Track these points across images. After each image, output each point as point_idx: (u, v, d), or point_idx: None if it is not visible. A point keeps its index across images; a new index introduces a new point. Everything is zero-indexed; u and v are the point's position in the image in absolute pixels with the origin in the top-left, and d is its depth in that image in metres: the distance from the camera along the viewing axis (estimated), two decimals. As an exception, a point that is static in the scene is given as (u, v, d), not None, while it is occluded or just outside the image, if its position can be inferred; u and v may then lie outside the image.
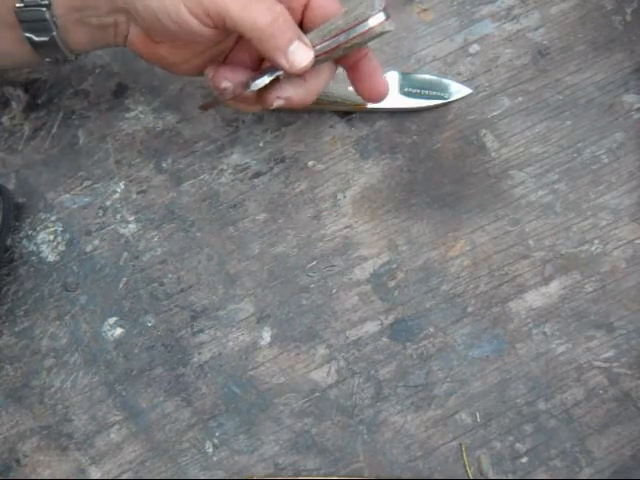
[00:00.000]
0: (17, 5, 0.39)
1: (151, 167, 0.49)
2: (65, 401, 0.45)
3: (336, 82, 0.47)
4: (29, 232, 0.48)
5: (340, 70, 0.50)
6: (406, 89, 0.47)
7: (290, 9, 0.39)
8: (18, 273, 0.47)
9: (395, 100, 0.47)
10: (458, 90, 0.48)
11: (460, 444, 0.43)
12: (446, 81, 0.48)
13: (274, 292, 0.46)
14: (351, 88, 0.47)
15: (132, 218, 0.48)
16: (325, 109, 0.48)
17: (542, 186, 0.47)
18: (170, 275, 0.47)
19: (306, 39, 0.39)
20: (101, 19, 0.40)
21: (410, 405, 0.44)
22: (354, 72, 0.42)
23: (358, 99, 0.47)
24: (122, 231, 0.47)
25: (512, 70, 0.49)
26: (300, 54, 0.38)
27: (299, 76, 0.40)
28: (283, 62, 0.38)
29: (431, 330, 0.45)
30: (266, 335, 0.45)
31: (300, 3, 0.39)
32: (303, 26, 0.41)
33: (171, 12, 0.37)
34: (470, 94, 0.48)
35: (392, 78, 0.48)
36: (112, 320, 0.46)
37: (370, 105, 0.47)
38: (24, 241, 0.47)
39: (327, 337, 0.45)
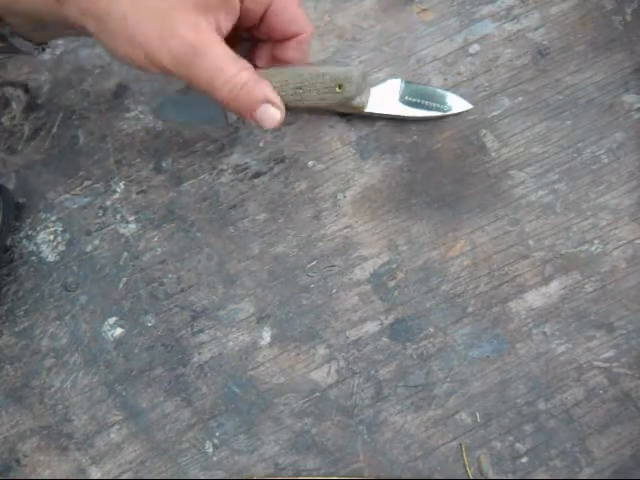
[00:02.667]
0: None
1: (151, 167, 0.49)
2: (65, 401, 0.45)
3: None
4: (29, 232, 0.48)
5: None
6: (407, 98, 0.48)
7: (250, 10, 0.39)
8: (18, 273, 0.47)
9: (394, 107, 0.48)
10: (458, 104, 0.48)
11: (460, 444, 0.43)
12: (448, 94, 0.48)
13: (274, 292, 0.46)
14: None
15: (132, 218, 0.48)
16: (324, 109, 0.48)
17: (542, 186, 0.47)
18: (170, 275, 0.47)
19: (276, 98, 0.39)
20: (63, 32, 0.40)
21: (410, 405, 0.44)
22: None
23: (357, 101, 0.47)
24: (122, 231, 0.47)
25: (512, 70, 0.49)
26: (268, 116, 0.39)
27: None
28: (252, 121, 0.39)
29: (431, 330, 0.45)
30: (266, 335, 0.45)
31: (262, 4, 0.39)
32: (260, 28, 0.41)
33: (134, 60, 0.37)
34: (470, 94, 0.49)
35: (394, 85, 0.48)
36: (112, 320, 0.46)
37: (368, 110, 0.47)
38: (24, 241, 0.47)
39: (327, 337, 0.45)
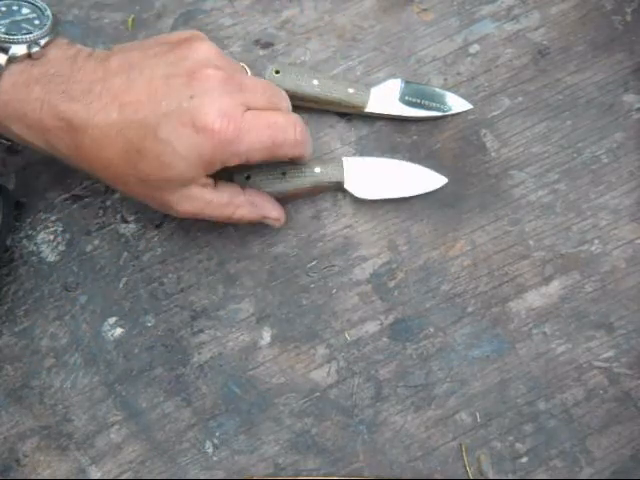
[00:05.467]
0: None
1: (151, 167, 0.48)
2: (65, 401, 0.45)
3: (336, 83, 0.47)
4: (29, 232, 0.48)
5: (340, 72, 0.50)
6: (407, 98, 0.48)
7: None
8: (18, 273, 0.47)
9: (394, 107, 0.48)
10: (458, 104, 0.48)
11: (460, 444, 0.43)
12: (448, 94, 0.48)
13: (274, 292, 0.46)
14: (351, 90, 0.47)
15: (132, 218, 0.48)
16: (324, 109, 0.48)
17: (542, 186, 0.47)
18: (170, 275, 0.47)
19: (272, 212, 0.44)
20: None
21: (410, 405, 0.44)
22: None
23: (357, 101, 0.47)
24: (122, 231, 0.47)
25: (512, 70, 0.49)
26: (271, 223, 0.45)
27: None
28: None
29: (431, 330, 0.45)
30: (266, 335, 0.45)
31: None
32: None
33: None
34: (470, 94, 0.49)
35: (394, 85, 0.48)
36: (112, 320, 0.46)
37: (368, 110, 0.47)
38: (24, 241, 0.47)
39: (327, 337, 0.45)
